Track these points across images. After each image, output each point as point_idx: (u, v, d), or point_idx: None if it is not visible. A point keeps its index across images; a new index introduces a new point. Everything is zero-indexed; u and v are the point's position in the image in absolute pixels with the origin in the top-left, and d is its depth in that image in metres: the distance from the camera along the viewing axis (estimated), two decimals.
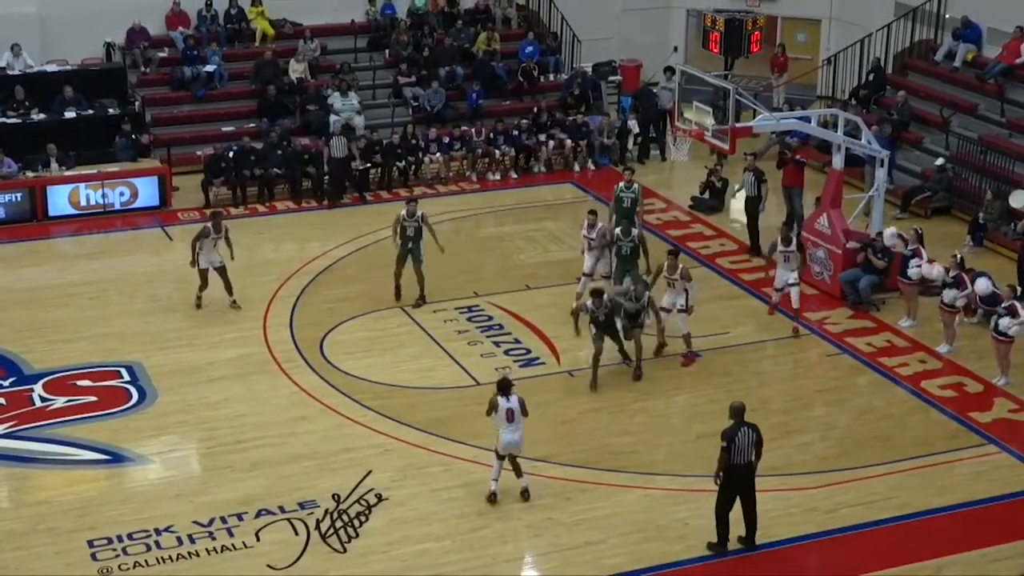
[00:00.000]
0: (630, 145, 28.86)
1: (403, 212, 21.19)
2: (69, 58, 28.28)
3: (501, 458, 15.70)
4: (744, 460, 14.46)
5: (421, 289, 21.17)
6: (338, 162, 25.69)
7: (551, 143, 27.92)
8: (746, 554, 14.84)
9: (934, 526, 15.54)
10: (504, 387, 15.61)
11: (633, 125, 28.75)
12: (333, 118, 28.17)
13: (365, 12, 30.90)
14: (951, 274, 19.65)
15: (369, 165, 26.71)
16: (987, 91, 26.90)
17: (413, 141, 27.16)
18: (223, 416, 17.86)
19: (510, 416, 15.48)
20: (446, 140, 27.49)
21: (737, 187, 24.29)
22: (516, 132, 27.71)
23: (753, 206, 23.60)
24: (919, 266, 20.34)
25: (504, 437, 15.53)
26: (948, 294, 19.56)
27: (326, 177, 26.05)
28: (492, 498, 15.79)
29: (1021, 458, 16.95)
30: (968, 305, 19.98)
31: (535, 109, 28.58)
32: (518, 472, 15.86)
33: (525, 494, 15.85)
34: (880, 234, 21.44)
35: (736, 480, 14.55)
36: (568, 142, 28.03)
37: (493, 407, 15.56)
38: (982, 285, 19.67)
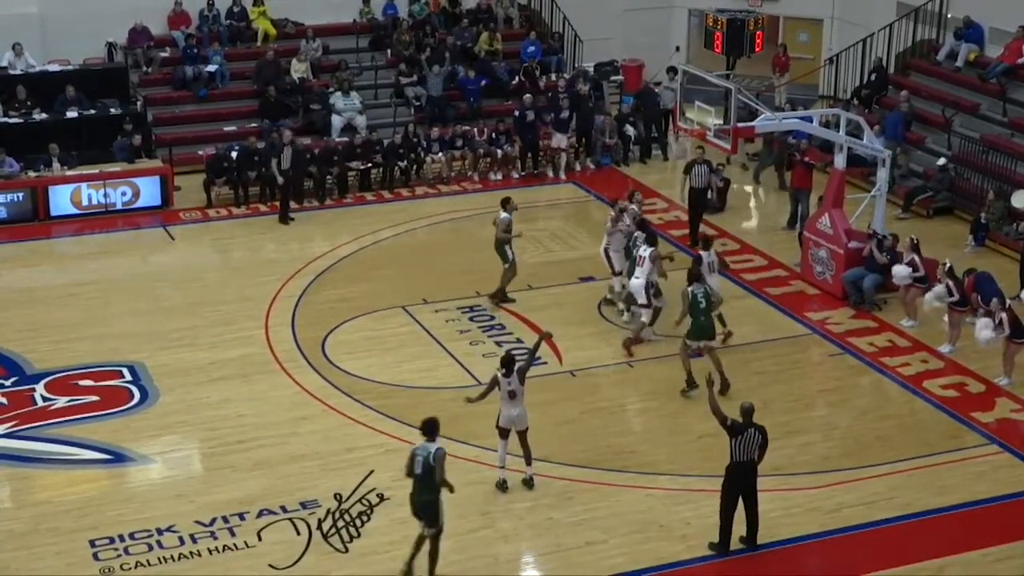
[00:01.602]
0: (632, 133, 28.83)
1: (507, 215, 20.94)
2: (71, 58, 28.31)
3: (505, 436, 15.79)
4: (747, 458, 14.49)
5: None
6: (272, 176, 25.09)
7: (568, 144, 27.81)
8: (748, 554, 14.83)
9: (936, 526, 15.53)
10: (508, 363, 15.70)
11: (631, 131, 28.66)
12: (335, 118, 28.21)
13: (360, 12, 30.90)
14: (941, 282, 19.65)
15: (370, 165, 26.71)
16: (989, 91, 26.88)
17: (415, 139, 27.15)
18: (225, 416, 17.85)
19: (512, 396, 15.67)
20: (447, 139, 27.48)
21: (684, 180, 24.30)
22: (520, 112, 27.56)
23: (700, 197, 23.76)
24: (908, 275, 20.39)
25: (505, 412, 15.74)
26: (932, 294, 19.57)
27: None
28: (502, 486, 15.85)
29: (1023, 458, 16.94)
30: (970, 306, 19.98)
31: (551, 92, 28.56)
32: (528, 457, 15.94)
33: (529, 483, 15.94)
34: (894, 235, 21.39)
35: (738, 478, 14.57)
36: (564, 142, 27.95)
37: (495, 384, 15.71)
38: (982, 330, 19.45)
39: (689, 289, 18.31)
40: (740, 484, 14.60)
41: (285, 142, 25.32)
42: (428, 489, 13.86)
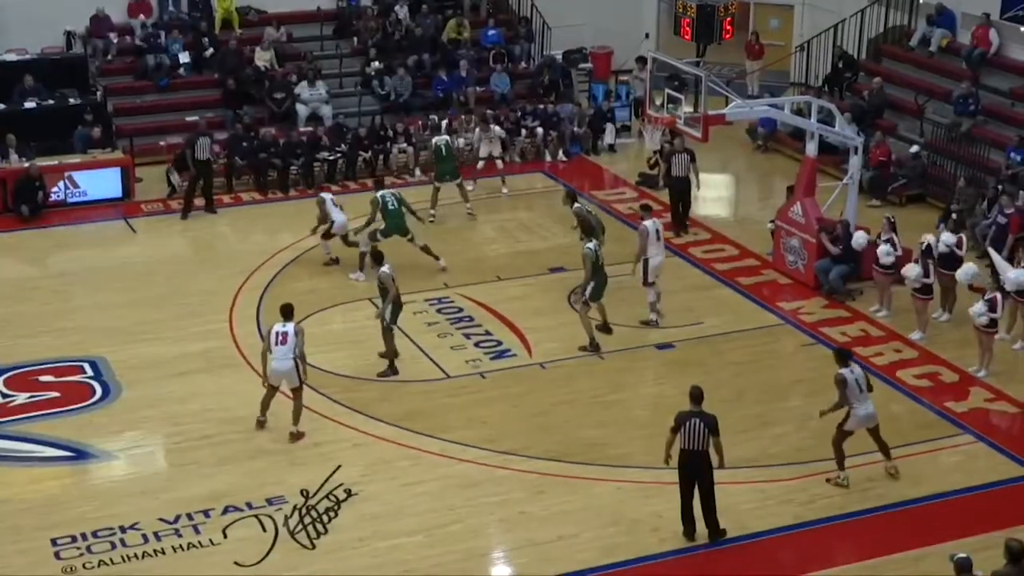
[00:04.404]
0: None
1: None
2: (28, 47, 27.83)
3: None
4: (697, 447, 14.40)
5: None
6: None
7: (523, 132, 27.67)
8: (719, 547, 14.66)
9: (910, 517, 15.42)
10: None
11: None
12: (300, 107, 27.88)
13: None
14: (919, 262, 19.53)
15: (338, 155, 26.40)
16: (962, 77, 26.74)
17: (382, 132, 26.85)
18: (189, 411, 17.56)
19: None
20: (414, 130, 27.18)
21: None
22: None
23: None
24: (890, 254, 20.17)
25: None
26: (911, 271, 19.40)
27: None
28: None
29: (997, 448, 16.85)
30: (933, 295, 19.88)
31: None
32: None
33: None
34: (844, 221, 21.24)
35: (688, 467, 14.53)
36: (539, 131, 27.75)
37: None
38: (966, 272, 19.55)
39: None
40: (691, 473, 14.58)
41: (201, 131, 24.76)
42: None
